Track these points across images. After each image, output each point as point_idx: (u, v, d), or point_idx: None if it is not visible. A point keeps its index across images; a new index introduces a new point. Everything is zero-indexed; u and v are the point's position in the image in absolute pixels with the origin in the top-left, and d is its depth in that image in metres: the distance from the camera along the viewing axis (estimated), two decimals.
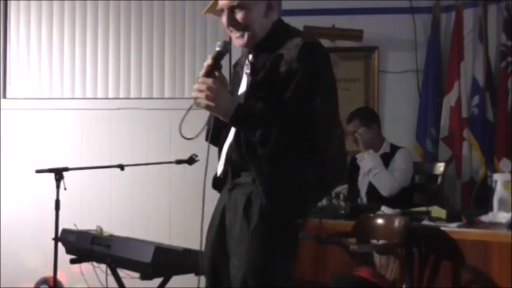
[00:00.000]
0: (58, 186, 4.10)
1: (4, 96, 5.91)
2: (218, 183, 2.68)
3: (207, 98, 2.43)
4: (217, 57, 2.52)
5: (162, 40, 5.77)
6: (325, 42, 5.54)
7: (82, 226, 4.45)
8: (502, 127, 4.99)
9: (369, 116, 4.82)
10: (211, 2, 2.67)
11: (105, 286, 4.20)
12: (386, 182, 4.59)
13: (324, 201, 4.42)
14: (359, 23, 5.44)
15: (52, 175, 4.12)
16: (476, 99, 5.15)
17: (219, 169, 2.65)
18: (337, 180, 2.60)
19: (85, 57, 5.84)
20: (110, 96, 5.81)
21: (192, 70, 5.57)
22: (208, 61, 2.51)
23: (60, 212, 4.14)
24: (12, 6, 5.93)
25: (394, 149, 4.77)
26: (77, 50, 5.86)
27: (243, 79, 2.62)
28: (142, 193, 5.60)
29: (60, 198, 4.13)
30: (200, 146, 2.72)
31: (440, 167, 5.01)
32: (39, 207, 5.45)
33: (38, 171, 4.17)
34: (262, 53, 2.56)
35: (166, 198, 5.47)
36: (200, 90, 2.44)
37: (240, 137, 2.49)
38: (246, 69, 2.59)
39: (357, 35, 5.41)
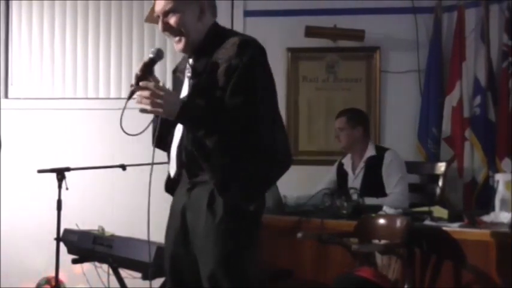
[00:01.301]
0: (60, 186, 4.11)
1: (6, 96, 5.92)
2: (171, 186, 2.79)
3: (153, 104, 2.47)
4: (149, 64, 2.59)
5: (164, 39, 5.77)
6: (327, 42, 5.55)
7: (84, 226, 4.46)
8: (504, 127, 4.99)
9: (356, 117, 4.80)
10: (150, 10, 2.72)
11: (107, 286, 4.20)
12: (398, 205, 4.48)
13: (326, 202, 4.42)
14: (361, 23, 5.44)
15: (54, 175, 4.13)
16: (478, 99, 5.15)
17: (172, 171, 2.72)
18: (280, 173, 2.63)
19: (87, 57, 5.85)
20: (112, 96, 5.82)
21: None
22: (139, 67, 2.57)
23: (62, 212, 4.15)
24: (13, 7, 5.94)
25: (381, 150, 4.73)
26: (78, 50, 5.87)
27: (185, 83, 2.67)
28: (144, 193, 5.59)
29: (62, 198, 4.14)
30: None
31: (441, 167, 5.00)
32: (41, 207, 5.45)
33: (39, 171, 4.18)
34: (202, 57, 2.62)
35: (167, 199, 5.46)
36: (145, 97, 2.47)
37: (188, 136, 2.55)
38: (188, 73, 2.66)
39: (358, 35, 5.41)
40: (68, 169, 4.17)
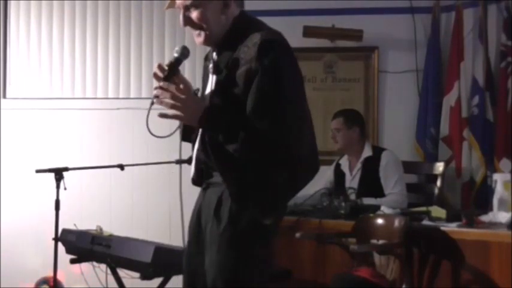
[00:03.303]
0: (58, 186, 4.10)
1: (4, 96, 5.91)
2: (198, 180, 2.66)
3: (173, 107, 2.39)
4: (174, 64, 2.46)
5: (162, 39, 5.77)
6: (325, 42, 5.55)
7: (82, 226, 4.46)
8: (502, 127, 4.99)
9: (353, 118, 4.81)
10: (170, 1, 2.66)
11: (105, 286, 4.20)
12: (397, 205, 4.49)
13: (324, 202, 4.42)
14: (359, 23, 5.44)
15: (52, 175, 4.12)
16: (476, 99, 5.15)
17: (192, 170, 2.65)
18: (308, 179, 2.53)
19: (85, 57, 5.85)
20: (110, 96, 5.81)
21: (192, 70, 5.57)
22: (164, 67, 2.45)
23: (60, 212, 4.14)
24: (12, 6, 5.93)
25: (378, 151, 4.75)
26: (76, 49, 5.86)
27: (210, 76, 2.59)
28: (142, 193, 5.60)
29: (60, 198, 4.13)
30: None
31: (439, 166, 5.01)
32: (39, 207, 5.45)
33: (38, 171, 4.16)
34: (225, 51, 2.54)
35: (166, 198, 5.47)
36: (165, 101, 2.38)
37: (204, 139, 2.46)
38: (210, 68, 2.57)
39: (356, 35, 5.41)
40: (66, 169, 4.16)
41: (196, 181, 2.67)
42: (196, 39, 2.57)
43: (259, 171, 2.40)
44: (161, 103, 2.41)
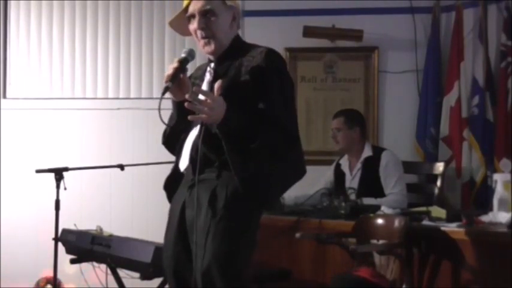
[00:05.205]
0: (58, 186, 4.10)
1: (4, 96, 5.91)
2: (170, 185, 2.85)
3: (207, 114, 2.49)
4: (183, 62, 2.63)
5: (162, 40, 5.77)
6: (325, 42, 5.55)
7: (82, 226, 4.46)
8: (502, 127, 4.99)
9: (354, 118, 4.80)
10: (179, 12, 2.76)
11: (105, 286, 4.20)
12: (397, 205, 4.50)
13: (324, 202, 4.42)
14: (359, 23, 5.44)
15: (52, 175, 4.13)
16: (476, 99, 5.15)
17: (183, 166, 2.75)
18: (299, 177, 2.71)
19: (85, 57, 5.85)
20: (110, 96, 5.81)
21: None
22: (175, 64, 2.61)
23: (60, 212, 4.14)
24: (12, 6, 5.93)
25: (378, 151, 4.74)
26: (76, 50, 5.86)
27: (203, 87, 2.74)
28: (142, 193, 5.60)
29: (60, 198, 4.13)
30: None
31: (440, 167, 5.01)
32: (39, 207, 5.45)
33: (38, 171, 4.17)
34: (224, 62, 2.70)
35: (166, 198, 5.45)
36: (202, 109, 2.48)
37: (208, 132, 2.60)
38: (208, 76, 2.74)
39: (357, 35, 5.41)
40: (66, 169, 4.17)
41: (169, 186, 2.86)
42: (204, 48, 2.74)
43: (266, 162, 2.57)
44: (194, 107, 2.49)
